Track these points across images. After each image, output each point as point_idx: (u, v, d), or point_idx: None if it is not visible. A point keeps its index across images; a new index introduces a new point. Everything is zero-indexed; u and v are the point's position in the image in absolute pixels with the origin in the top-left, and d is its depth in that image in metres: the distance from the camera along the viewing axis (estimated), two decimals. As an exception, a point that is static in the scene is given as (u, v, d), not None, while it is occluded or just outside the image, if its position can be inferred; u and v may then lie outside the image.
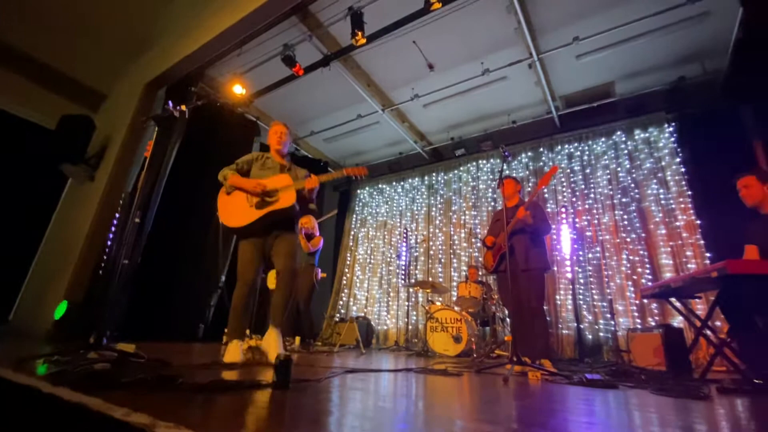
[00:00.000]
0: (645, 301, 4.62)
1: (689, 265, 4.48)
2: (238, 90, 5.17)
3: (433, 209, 7.02)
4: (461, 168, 6.89)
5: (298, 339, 4.37)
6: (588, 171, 5.64)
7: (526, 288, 3.00)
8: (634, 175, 5.26)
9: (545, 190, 5.80)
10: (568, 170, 5.77)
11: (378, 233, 7.58)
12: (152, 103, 4.54)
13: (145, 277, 4.14)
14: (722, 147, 4.51)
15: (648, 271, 4.77)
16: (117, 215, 4.16)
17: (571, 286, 5.04)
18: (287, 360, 1.44)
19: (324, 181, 2.62)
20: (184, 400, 1.08)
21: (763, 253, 2.55)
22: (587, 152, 5.73)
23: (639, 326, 4.47)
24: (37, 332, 3.87)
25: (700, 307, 4.14)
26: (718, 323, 3.81)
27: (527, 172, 6.15)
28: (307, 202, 2.70)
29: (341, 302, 7.38)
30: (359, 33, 4.12)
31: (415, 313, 6.32)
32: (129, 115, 4.40)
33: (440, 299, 5.93)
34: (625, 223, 5.12)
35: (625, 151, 5.42)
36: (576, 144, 5.85)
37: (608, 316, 4.71)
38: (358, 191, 8.22)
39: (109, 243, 4.17)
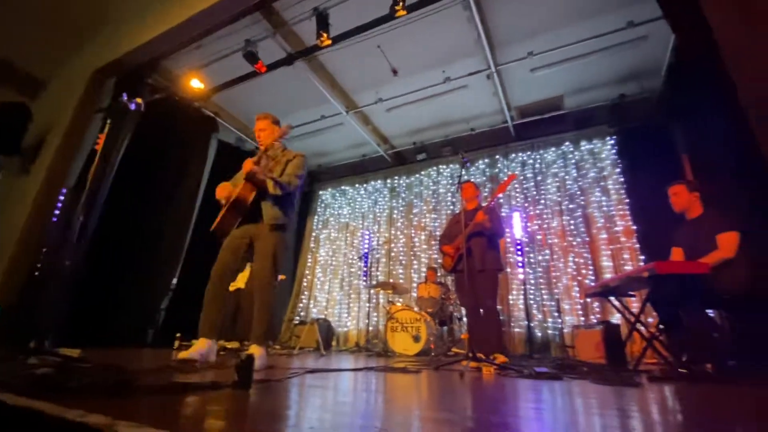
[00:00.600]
0: (588, 300, 4.99)
1: (626, 267, 4.89)
2: (196, 84, 4.97)
3: (395, 212, 7.13)
4: (423, 172, 7.05)
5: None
6: (539, 178, 5.99)
7: (481, 287, 3.15)
8: (580, 183, 5.66)
9: (501, 196, 6.08)
10: (522, 177, 6.11)
11: (340, 235, 7.56)
12: (100, 93, 4.24)
13: (89, 279, 3.86)
14: (656, 159, 4.99)
15: (591, 272, 5.15)
16: (57, 212, 3.84)
17: (522, 287, 5.32)
18: (249, 360, 1.44)
19: (252, 171, 2.36)
20: (142, 402, 1.06)
21: (687, 254, 2.87)
22: (539, 161, 6.09)
23: (582, 323, 4.81)
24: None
25: (636, 305, 4.53)
26: (650, 319, 4.19)
27: (484, 178, 6.42)
28: (263, 191, 2.44)
29: (301, 305, 7.27)
30: (324, 34, 4.13)
31: (376, 314, 6.37)
32: (73, 105, 4.07)
33: (401, 300, 6.03)
34: (572, 227, 5.50)
35: (573, 161, 5.82)
36: (529, 153, 6.20)
37: (556, 314, 5.03)
38: (321, 192, 8.16)
39: (47, 242, 3.84)
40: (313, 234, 7.85)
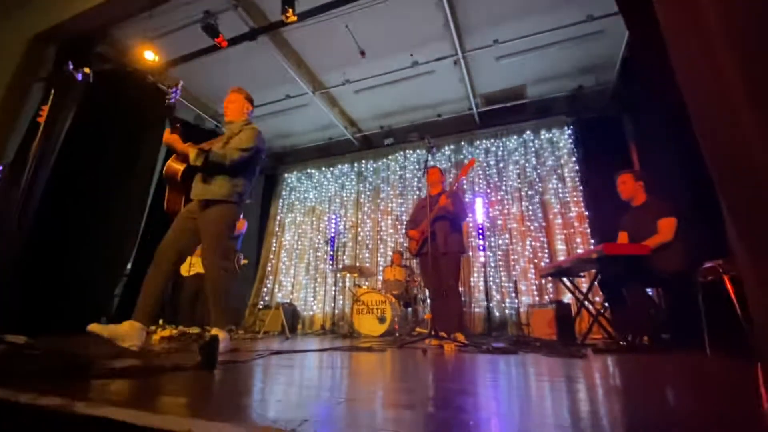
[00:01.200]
0: (543, 281, 5.29)
1: (578, 250, 5.22)
2: (150, 56, 4.65)
3: (362, 196, 7.12)
4: (390, 157, 7.07)
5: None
6: (501, 165, 6.19)
7: (444, 269, 3.26)
8: (539, 171, 5.92)
9: (465, 181, 6.24)
10: (485, 164, 6.28)
11: (306, 219, 7.47)
12: (40, 61, 3.86)
13: (34, 263, 3.59)
14: (608, 149, 5.31)
15: (546, 255, 5.45)
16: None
17: (483, 269, 5.54)
18: (212, 340, 1.42)
19: (168, 140, 2.23)
20: (99, 385, 1.03)
21: (631, 238, 3.11)
22: (501, 148, 6.28)
23: (537, 303, 5.11)
24: None
25: (585, 285, 4.87)
26: (597, 298, 4.52)
27: (450, 164, 6.55)
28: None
29: (265, 289, 7.17)
30: (290, 10, 3.97)
31: (342, 297, 6.41)
32: (9, 73, 3.68)
33: (367, 283, 6.10)
34: (530, 213, 5.76)
35: (533, 149, 6.06)
36: (492, 140, 6.38)
37: (513, 295, 5.31)
38: (286, 175, 7.98)
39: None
40: (278, 218, 7.70)
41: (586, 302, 3.19)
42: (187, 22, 4.45)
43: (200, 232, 2.25)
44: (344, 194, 7.29)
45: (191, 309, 4.39)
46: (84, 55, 3.93)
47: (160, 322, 4.24)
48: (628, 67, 4.88)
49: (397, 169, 6.93)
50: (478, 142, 6.47)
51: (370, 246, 6.73)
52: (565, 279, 3.79)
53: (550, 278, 5.10)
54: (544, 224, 5.62)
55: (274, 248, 7.48)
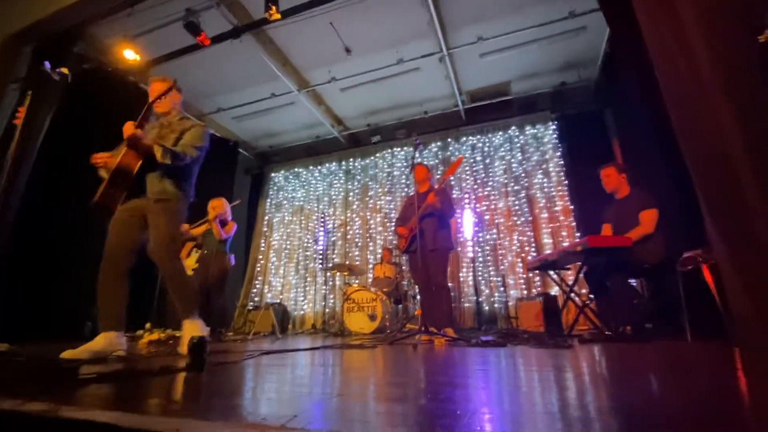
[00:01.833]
0: (530, 274, 5.37)
1: (564, 243, 5.31)
2: (130, 55, 4.55)
3: (351, 194, 7.11)
4: (377, 154, 7.06)
5: (207, 329, 4.13)
6: (488, 161, 6.25)
7: (433, 265, 3.28)
8: (524, 166, 5.99)
9: (452, 178, 6.28)
10: (471, 160, 6.33)
11: (294, 218, 7.42)
12: (15, 61, 3.74)
13: (12, 269, 3.49)
14: (591, 143, 5.41)
15: (533, 249, 5.53)
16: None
17: (472, 265, 5.60)
18: (201, 342, 1.41)
19: (134, 135, 2.07)
20: (86, 390, 1.01)
21: (615, 230, 3.18)
22: (487, 144, 6.34)
23: (525, 296, 5.18)
24: None
25: (571, 277, 4.96)
26: (583, 290, 4.61)
27: (437, 161, 6.58)
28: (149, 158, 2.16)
29: (255, 290, 7.10)
30: (273, 7, 3.93)
31: (332, 296, 6.40)
32: (-19, 74, 3.57)
33: (357, 281, 6.10)
34: (516, 208, 5.83)
35: (518, 145, 6.13)
36: (478, 136, 6.43)
37: (501, 289, 5.37)
38: (273, 174, 7.90)
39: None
40: (266, 217, 7.64)
41: (572, 294, 3.25)
42: (168, 20, 4.37)
43: (150, 229, 2.18)
44: (332, 193, 7.26)
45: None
46: (61, 55, 3.82)
47: (147, 326, 4.18)
48: (610, 62, 4.97)
49: (385, 166, 6.94)
50: (464, 138, 6.52)
51: (359, 244, 6.73)
52: (551, 272, 3.86)
53: (537, 271, 5.19)
54: (530, 219, 5.70)
55: (262, 248, 7.41)
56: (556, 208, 5.58)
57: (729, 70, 1.61)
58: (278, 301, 6.54)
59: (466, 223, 5.63)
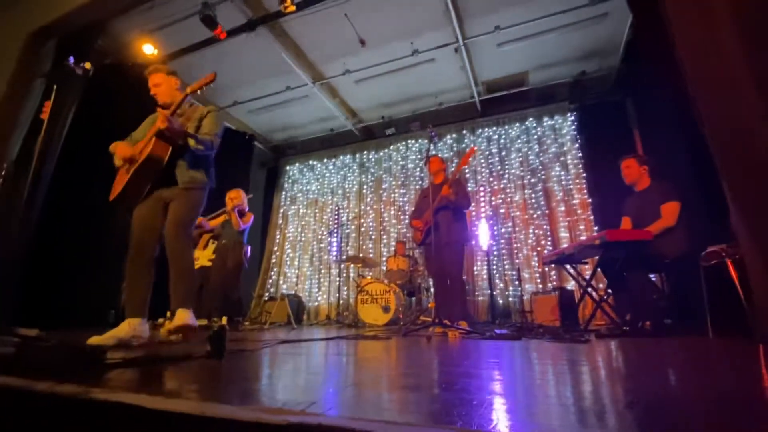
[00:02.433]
0: (546, 268, 5.31)
1: (581, 237, 5.22)
2: (149, 50, 4.63)
3: (365, 187, 7.12)
4: (391, 147, 7.04)
5: (225, 319, 4.25)
6: (504, 153, 6.16)
7: (448, 259, 3.28)
8: (541, 158, 5.88)
9: (466, 170, 6.22)
10: (487, 152, 6.25)
11: (309, 211, 7.49)
12: (40, 57, 3.84)
13: (40, 259, 3.64)
14: (611, 134, 5.27)
15: (549, 243, 5.45)
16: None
17: (486, 258, 5.56)
18: (221, 330, 1.45)
19: (172, 124, 2.05)
20: (114, 374, 1.06)
21: (634, 223, 3.11)
22: (503, 136, 6.24)
23: (540, 290, 5.13)
24: None
25: (588, 271, 4.88)
26: (600, 285, 4.53)
27: (451, 153, 6.52)
28: (181, 145, 2.18)
29: (270, 281, 7.23)
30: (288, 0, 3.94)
31: (346, 287, 6.46)
32: (9, 70, 3.68)
33: (370, 273, 6.14)
34: (533, 201, 5.75)
35: (535, 137, 6.02)
36: (494, 128, 6.33)
37: (516, 283, 5.33)
38: (287, 167, 7.98)
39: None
40: (281, 210, 7.73)
41: (589, 288, 3.21)
42: (185, 14, 4.42)
43: (169, 213, 2.17)
44: (346, 185, 7.29)
45: (197, 301, 4.44)
46: (84, 50, 3.91)
47: (168, 314, 4.31)
48: (632, 50, 4.81)
49: (399, 159, 6.92)
50: (480, 130, 6.43)
51: (373, 236, 6.75)
52: (568, 266, 3.80)
53: (553, 265, 5.12)
54: (547, 212, 5.61)
55: (278, 240, 7.52)
56: (574, 202, 5.47)
57: (763, 59, 1.54)
58: (293, 292, 6.65)
59: (481, 233, 5.52)
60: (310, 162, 7.75)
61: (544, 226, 5.55)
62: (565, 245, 5.21)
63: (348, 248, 6.88)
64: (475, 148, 4.39)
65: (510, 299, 5.42)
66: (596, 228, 5.14)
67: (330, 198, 7.37)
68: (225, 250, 4.30)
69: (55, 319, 3.58)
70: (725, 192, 1.75)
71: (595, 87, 5.65)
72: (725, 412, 0.71)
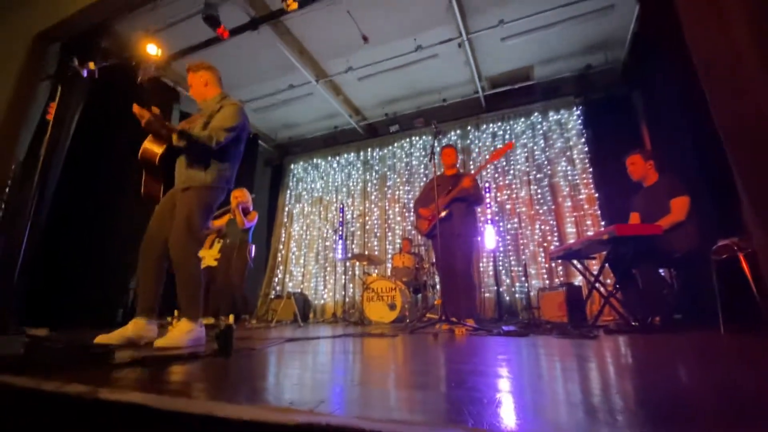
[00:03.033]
0: (553, 264, 5.27)
1: (588, 233, 5.17)
2: (153, 50, 4.63)
3: (369, 185, 7.11)
4: (395, 144, 7.02)
5: (232, 317, 4.27)
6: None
7: (458, 252, 3.25)
8: (547, 154, 5.83)
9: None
10: (492, 148, 6.20)
11: (314, 209, 7.50)
12: (45, 58, 3.88)
13: (48, 258, 3.68)
14: (618, 129, 5.21)
15: (556, 238, 5.41)
16: (7, 189, 3.57)
17: (492, 254, 5.53)
18: (228, 329, 1.45)
19: (146, 119, 2.00)
20: (122, 373, 1.06)
21: (643, 219, 3.07)
22: (509, 131, 6.19)
23: (547, 286, 5.10)
24: None
25: (596, 267, 4.83)
26: (608, 280, 4.49)
27: (456, 150, 6.47)
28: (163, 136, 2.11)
29: (276, 279, 7.26)
30: (290, -3, 3.92)
31: (351, 285, 6.47)
32: (15, 72, 3.72)
33: (376, 270, 6.14)
34: (539, 196, 5.70)
35: (541, 132, 5.96)
36: (499, 123, 6.28)
37: (523, 279, 5.29)
38: (292, 166, 7.99)
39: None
40: (286, 208, 7.75)
41: (597, 284, 3.17)
42: (188, 14, 4.42)
43: (175, 218, 2.10)
44: (351, 183, 7.29)
45: (204, 301, 4.46)
46: (88, 51, 3.94)
47: (175, 313, 4.33)
48: (639, 43, 4.74)
49: (403, 156, 6.90)
50: (484, 126, 6.39)
51: (378, 234, 6.75)
52: (575, 261, 3.76)
53: (559, 261, 5.08)
54: (553, 207, 5.57)
55: (283, 238, 7.54)
56: (581, 197, 5.42)
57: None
58: (299, 290, 6.67)
59: (487, 231, 5.48)
60: (315, 160, 7.75)
61: (551, 222, 5.51)
62: (571, 241, 5.17)
63: (353, 246, 6.88)
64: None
65: (517, 296, 5.39)
66: (603, 223, 5.09)
67: (335, 196, 7.38)
68: (230, 249, 4.32)
69: (64, 318, 3.63)
70: (736, 184, 1.71)
71: (601, 80, 5.57)
72: (739, 409, 0.69)
